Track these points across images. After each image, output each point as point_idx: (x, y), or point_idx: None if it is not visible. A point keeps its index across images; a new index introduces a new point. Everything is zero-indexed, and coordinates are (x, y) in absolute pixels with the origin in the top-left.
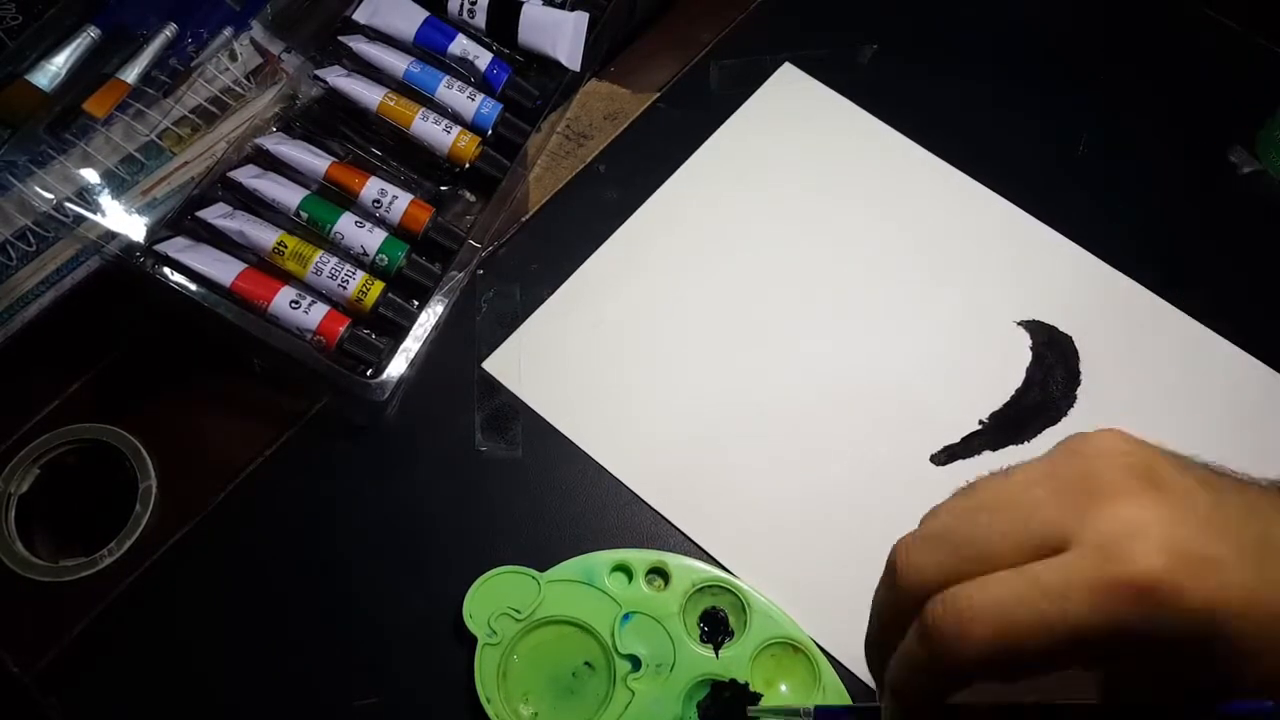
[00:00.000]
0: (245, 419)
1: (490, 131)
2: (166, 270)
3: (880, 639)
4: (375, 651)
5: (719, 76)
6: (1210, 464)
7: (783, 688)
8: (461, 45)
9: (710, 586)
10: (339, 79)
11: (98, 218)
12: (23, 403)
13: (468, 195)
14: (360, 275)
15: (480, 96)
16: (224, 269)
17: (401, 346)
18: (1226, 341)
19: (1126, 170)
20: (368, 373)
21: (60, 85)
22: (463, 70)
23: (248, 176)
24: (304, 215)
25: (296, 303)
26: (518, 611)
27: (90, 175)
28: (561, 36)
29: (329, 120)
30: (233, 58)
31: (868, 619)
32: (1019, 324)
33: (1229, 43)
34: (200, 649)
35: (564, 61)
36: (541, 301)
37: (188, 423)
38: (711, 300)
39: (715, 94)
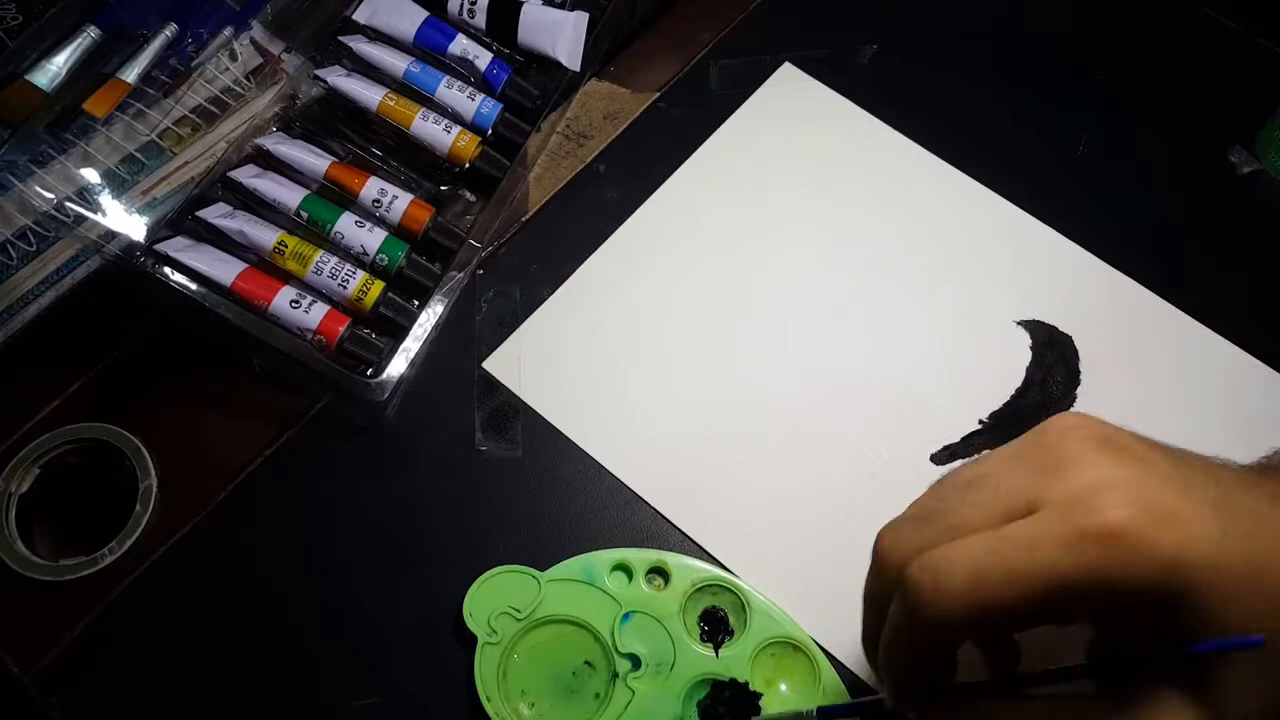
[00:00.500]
0: (245, 419)
1: (490, 131)
2: (167, 270)
3: (874, 628)
4: (375, 651)
5: (719, 76)
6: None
7: (783, 687)
8: (461, 45)
9: (710, 586)
10: (339, 79)
11: (98, 217)
12: (23, 402)
13: (468, 195)
14: (360, 275)
15: (480, 96)
16: (224, 269)
17: (401, 346)
18: (1226, 341)
19: (1126, 170)
20: (368, 372)
21: (60, 85)
22: (463, 70)
23: (248, 176)
24: (304, 215)
25: (297, 302)
26: (518, 611)
27: (90, 175)
28: (561, 36)
29: (329, 120)
30: (233, 58)
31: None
32: (1019, 324)
33: (1229, 43)
34: (200, 649)
35: (564, 61)
36: (541, 301)
37: (188, 422)
38: (711, 300)
39: (715, 94)
